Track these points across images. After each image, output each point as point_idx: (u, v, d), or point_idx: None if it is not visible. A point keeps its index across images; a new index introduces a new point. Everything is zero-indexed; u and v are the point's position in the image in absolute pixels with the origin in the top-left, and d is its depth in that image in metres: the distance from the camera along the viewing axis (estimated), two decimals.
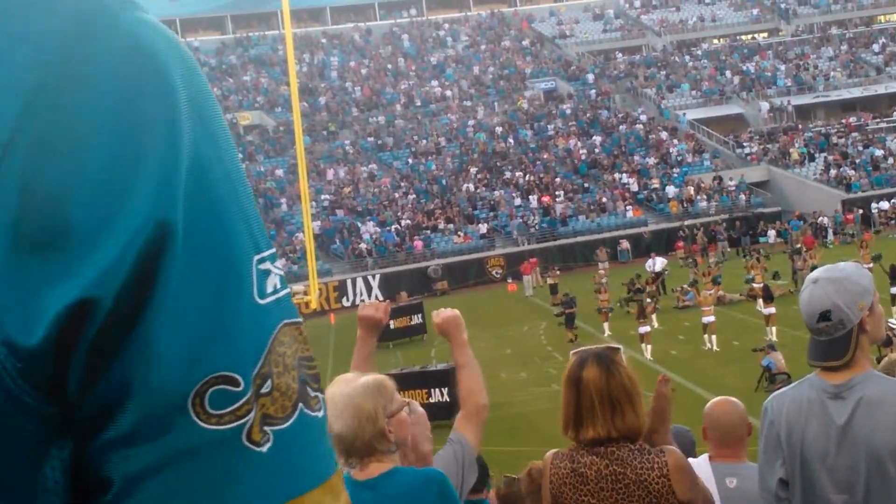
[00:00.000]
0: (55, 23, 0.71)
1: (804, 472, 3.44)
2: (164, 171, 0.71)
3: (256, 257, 0.76)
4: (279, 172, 63.57)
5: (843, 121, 66.18)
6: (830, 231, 52.27)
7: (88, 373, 0.70)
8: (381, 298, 51.02)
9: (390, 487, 3.61)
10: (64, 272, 0.68)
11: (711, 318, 29.78)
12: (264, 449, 0.74)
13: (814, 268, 27.84)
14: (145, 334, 0.70)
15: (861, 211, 53.57)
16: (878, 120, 66.47)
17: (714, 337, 28.85)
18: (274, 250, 0.79)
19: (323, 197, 60.25)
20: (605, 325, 32.92)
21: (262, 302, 0.76)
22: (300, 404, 0.77)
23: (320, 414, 0.79)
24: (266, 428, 0.74)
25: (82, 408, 0.71)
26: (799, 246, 44.59)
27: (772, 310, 29.08)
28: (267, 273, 0.77)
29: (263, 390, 0.74)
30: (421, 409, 4.51)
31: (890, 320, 25.02)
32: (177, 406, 0.71)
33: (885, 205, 53.88)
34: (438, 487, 3.63)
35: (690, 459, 4.46)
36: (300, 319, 0.81)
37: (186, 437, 0.72)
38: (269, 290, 0.77)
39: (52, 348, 0.69)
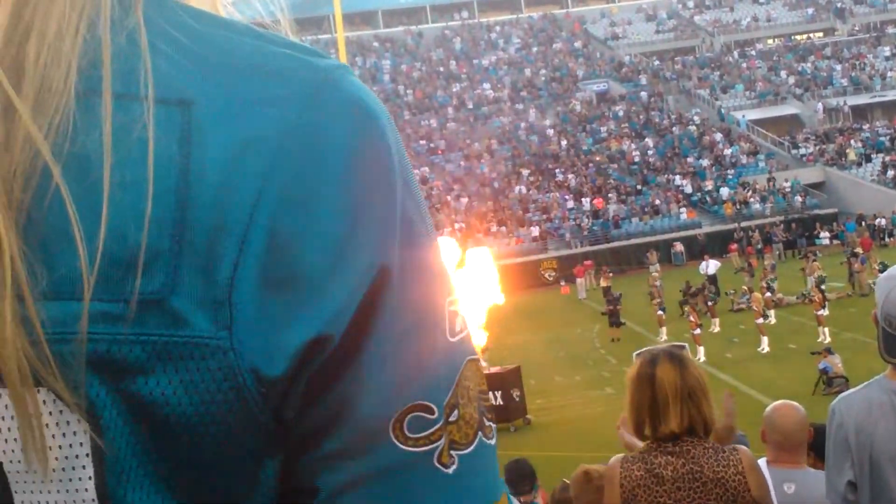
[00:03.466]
0: (294, 88, 0.80)
1: (874, 474, 3.39)
2: (385, 222, 0.80)
3: (448, 299, 0.84)
4: None
5: None
6: (887, 232, 51.62)
7: (308, 399, 0.79)
8: None
9: None
10: (304, 310, 0.77)
11: (765, 321, 29.56)
12: (451, 471, 0.83)
13: (882, 269, 27.59)
14: (361, 367, 0.79)
15: None
16: None
17: (766, 339, 28.58)
18: (457, 294, 0.87)
19: None
20: (663, 330, 32.66)
21: (452, 340, 0.84)
22: (479, 432, 0.85)
23: (493, 441, 0.87)
24: (453, 452, 0.83)
25: (299, 427, 0.80)
26: (857, 249, 44.07)
27: (823, 311, 28.79)
28: (455, 314, 0.85)
29: (451, 418, 0.83)
30: None
31: None
32: (380, 430, 0.80)
33: None
34: None
35: None
36: (479, 356, 0.88)
37: (387, 456, 0.81)
38: (458, 328, 0.85)
39: (289, 377, 0.78)
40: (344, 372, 0.79)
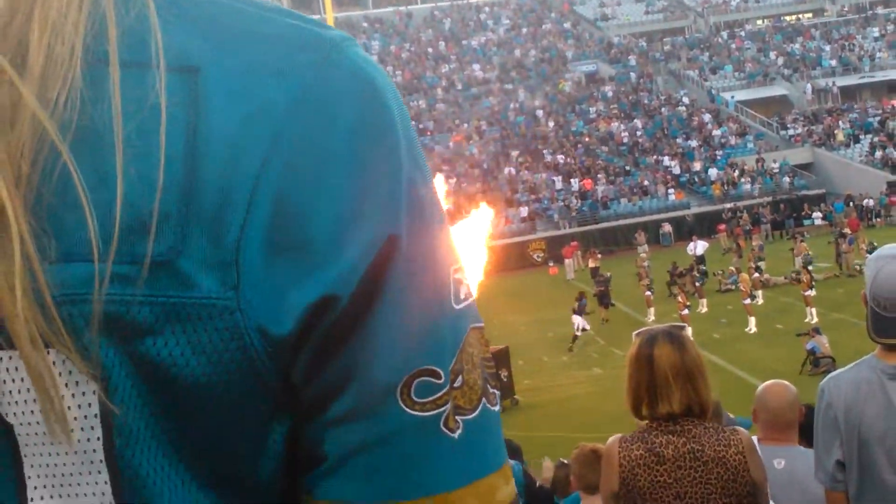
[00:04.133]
0: (301, 57, 0.82)
1: (862, 454, 3.37)
2: (392, 192, 0.82)
3: (453, 267, 0.86)
4: None
5: (889, 101, 65.36)
6: (874, 213, 51.75)
7: (317, 361, 0.81)
8: None
9: None
10: (310, 273, 0.79)
11: (752, 301, 29.66)
12: (456, 435, 0.84)
13: (870, 250, 27.65)
14: (370, 331, 0.81)
15: None
16: None
17: (753, 319, 28.65)
18: (462, 263, 0.89)
19: None
20: (651, 310, 32.75)
21: (457, 307, 0.86)
22: (483, 398, 0.87)
23: (497, 408, 0.89)
24: (458, 417, 0.85)
25: (307, 391, 0.82)
26: (845, 230, 44.16)
27: (811, 292, 28.87)
28: (460, 281, 0.87)
29: (456, 384, 0.84)
30: None
31: None
32: (388, 394, 0.82)
33: None
34: None
35: None
36: (483, 324, 0.90)
37: (394, 420, 0.82)
38: (462, 296, 0.87)
39: (296, 337, 0.80)
40: (353, 335, 0.81)
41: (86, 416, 0.79)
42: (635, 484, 3.50)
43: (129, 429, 0.79)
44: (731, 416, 5.88)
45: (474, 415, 0.86)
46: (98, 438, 0.79)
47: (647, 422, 3.54)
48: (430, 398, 0.83)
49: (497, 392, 0.90)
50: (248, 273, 0.78)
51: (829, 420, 3.43)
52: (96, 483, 0.80)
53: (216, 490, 0.82)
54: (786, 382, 4.71)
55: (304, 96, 0.80)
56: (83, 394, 0.78)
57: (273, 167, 0.79)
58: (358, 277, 0.80)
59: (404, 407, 0.82)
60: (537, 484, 5.48)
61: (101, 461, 0.79)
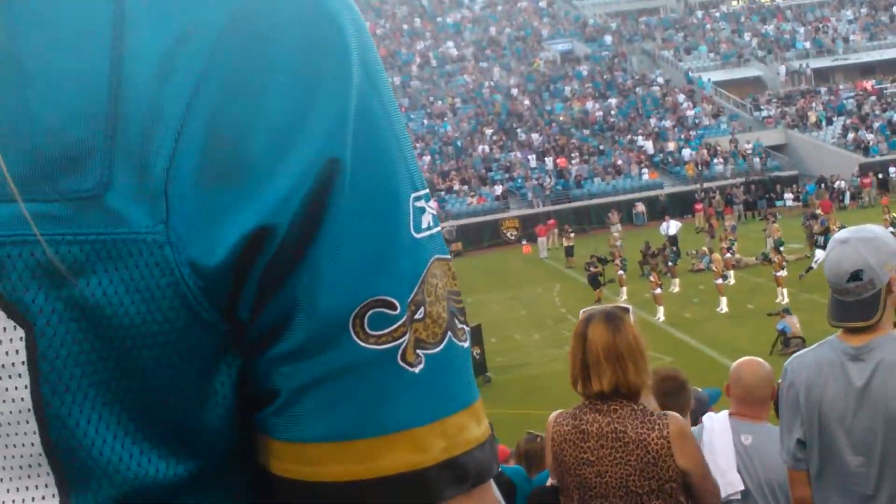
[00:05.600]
0: None
1: (822, 433, 3.42)
2: (335, 113, 0.77)
3: (413, 195, 0.82)
4: None
5: (862, 84, 65.69)
6: (847, 195, 52.07)
7: (261, 295, 0.77)
8: None
9: None
10: (244, 201, 0.75)
11: (724, 281, 29.83)
12: (417, 370, 0.80)
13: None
14: (314, 261, 0.77)
15: (879, 175, 53.31)
16: None
17: (725, 299, 28.82)
18: (427, 191, 0.85)
19: None
20: (623, 290, 32.90)
21: (417, 236, 0.81)
22: (449, 332, 0.83)
23: (466, 344, 0.85)
24: (419, 351, 0.80)
25: (253, 327, 0.78)
26: (817, 211, 44.44)
27: (782, 272, 29.06)
28: (422, 210, 0.83)
29: (417, 316, 0.80)
30: None
31: None
32: (339, 326, 0.78)
33: None
34: None
35: (711, 414, 4.45)
36: (450, 256, 0.86)
37: (347, 354, 0.78)
38: (424, 225, 0.82)
39: (232, 270, 0.76)
40: (296, 266, 0.77)
41: (13, 364, 0.74)
42: (562, 458, 3.57)
43: (58, 376, 0.75)
44: (699, 389, 5.94)
45: (438, 349, 0.82)
46: (26, 387, 0.75)
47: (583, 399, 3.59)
48: (386, 330, 0.79)
49: (466, 328, 0.86)
50: (177, 205, 0.75)
51: (791, 399, 3.48)
52: (25, 434, 0.76)
53: (158, 442, 0.79)
54: (760, 359, 4.76)
55: (240, 13, 0.76)
56: (10, 340, 0.74)
57: (207, 89, 0.75)
58: (295, 206, 0.76)
59: (357, 340, 0.78)
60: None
61: (28, 410, 0.75)
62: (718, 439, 4.36)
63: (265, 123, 0.75)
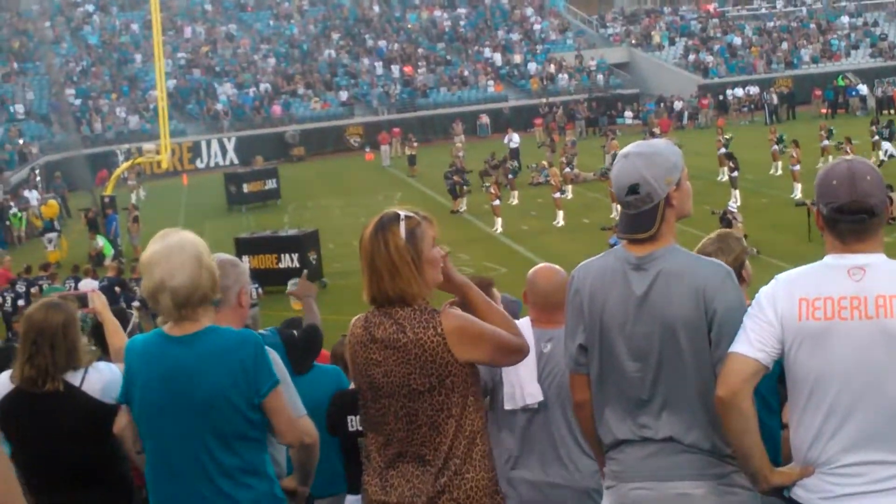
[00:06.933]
0: None
1: (603, 340, 3.48)
2: None
3: None
4: (134, 27, 61.63)
5: (706, 6, 66.91)
6: (686, 115, 53.32)
7: None
8: (236, 161, 50.52)
9: (206, 345, 3.58)
10: None
11: (561, 195, 30.31)
12: None
13: None
14: None
15: (718, 97, 54.68)
16: (739, 7, 67.53)
17: (562, 213, 29.29)
18: None
19: (179, 55, 58.67)
20: (463, 201, 33.12)
21: None
22: None
23: None
24: None
25: None
26: (655, 129, 45.38)
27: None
28: None
29: None
30: (244, 266, 4.45)
31: (730, 204, 25.82)
32: None
33: (739, 92, 54.97)
34: (253, 348, 3.60)
35: (517, 321, 4.47)
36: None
37: None
38: None
39: None
40: None
41: None
42: (356, 360, 3.61)
43: None
44: (510, 296, 5.99)
45: None
46: None
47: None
48: None
49: None
50: None
51: (576, 305, 3.52)
52: None
53: None
54: (555, 266, 4.78)
55: None
56: None
57: None
58: None
59: None
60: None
61: None
62: None
63: None
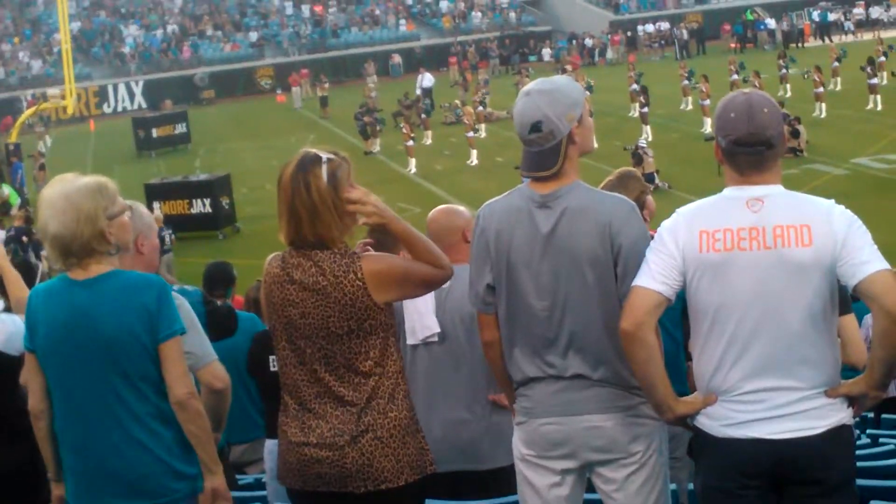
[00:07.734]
0: None
1: (509, 278, 3.49)
2: None
3: None
4: None
5: None
6: (597, 51, 53.51)
7: None
8: (144, 105, 49.74)
9: (108, 287, 3.52)
10: None
11: (475, 134, 30.31)
12: None
13: (588, 87, 28.51)
14: None
15: (628, 33, 54.93)
16: None
17: (475, 152, 29.31)
18: None
19: None
20: (377, 142, 32.97)
21: None
22: None
23: None
24: None
25: None
26: (567, 66, 45.48)
27: None
28: None
29: None
30: (147, 213, 4.38)
31: (641, 139, 26.07)
32: None
33: (650, 27, 55.26)
34: (157, 291, 3.56)
35: None
36: None
37: None
38: None
39: None
40: None
41: None
42: (271, 300, 3.58)
43: None
44: None
45: None
46: None
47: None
48: None
49: None
50: None
51: (482, 245, 3.53)
52: None
53: None
54: (457, 208, 4.82)
55: None
56: None
57: None
58: None
59: None
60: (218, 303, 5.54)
61: None
62: None
63: None
